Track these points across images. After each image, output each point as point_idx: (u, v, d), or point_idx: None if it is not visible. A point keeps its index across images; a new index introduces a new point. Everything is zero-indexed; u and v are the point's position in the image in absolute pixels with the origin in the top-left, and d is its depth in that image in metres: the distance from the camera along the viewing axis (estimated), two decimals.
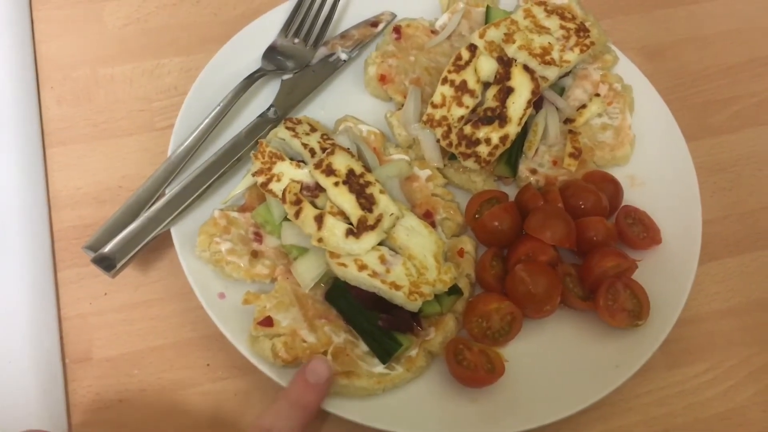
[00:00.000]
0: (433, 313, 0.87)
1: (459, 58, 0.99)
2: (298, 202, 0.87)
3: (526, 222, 0.92)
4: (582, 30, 1.02)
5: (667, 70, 1.17)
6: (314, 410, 0.78)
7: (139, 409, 0.86)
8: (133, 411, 0.86)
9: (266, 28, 1.06)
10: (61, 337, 0.89)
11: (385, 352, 0.84)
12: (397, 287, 0.83)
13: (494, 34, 0.99)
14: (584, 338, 0.90)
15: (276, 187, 0.88)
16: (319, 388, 0.78)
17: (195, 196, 0.91)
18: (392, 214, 0.87)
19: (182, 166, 0.93)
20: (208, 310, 0.85)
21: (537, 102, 0.99)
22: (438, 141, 0.97)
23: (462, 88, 0.97)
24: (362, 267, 0.84)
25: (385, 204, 0.88)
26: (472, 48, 0.99)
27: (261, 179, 0.89)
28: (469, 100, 0.97)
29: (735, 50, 1.21)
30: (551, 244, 0.90)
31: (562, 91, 1.04)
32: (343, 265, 0.84)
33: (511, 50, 0.98)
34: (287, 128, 0.94)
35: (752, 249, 1.03)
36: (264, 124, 0.98)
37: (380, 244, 0.86)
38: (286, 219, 0.89)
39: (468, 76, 0.98)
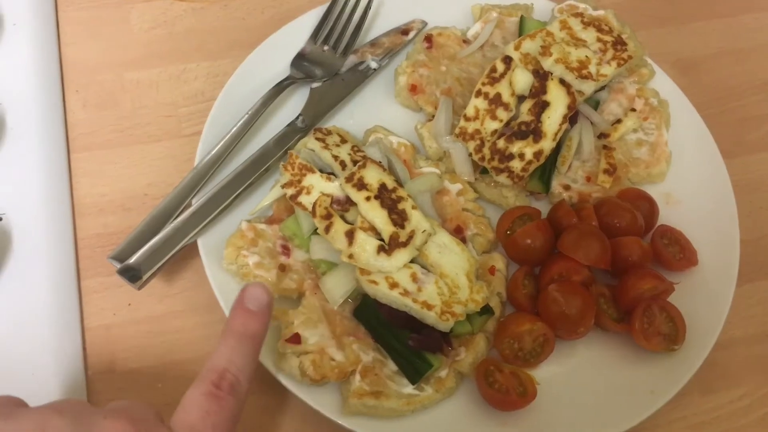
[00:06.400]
0: (463, 333, 0.85)
1: (494, 70, 0.96)
2: (328, 216, 0.85)
3: (560, 241, 0.89)
4: (619, 43, 0.99)
5: (701, 84, 1.14)
6: (262, 339, 0.73)
7: None
8: None
9: (295, 35, 1.04)
10: (84, 348, 0.88)
11: (415, 372, 0.82)
12: (429, 307, 0.81)
13: (530, 46, 0.97)
14: (618, 361, 0.87)
15: (306, 200, 0.86)
16: (261, 314, 0.72)
17: (222, 207, 0.89)
18: (425, 230, 0.85)
19: (209, 175, 0.92)
20: None
21: (571, 116, 0.96)
22: (470, 155, 0.95)
23: (496, 101, 0.95)
24: (394, 285, 0.82)
25: (417, 220, 0.86)
26: (507, 60, 0.96)
27: (290, 191, 0.87)
28: (503, 114, 0.95)
29: None
30: (585, 264, 0.87)
31: (596, 105, 1.02)
32: (374, 282, 0.82)
33: (547, 63, 0.95)
34: (317, 139, 0.92)
35: None
36: (292, 133, 0.97)
37: (411, 261, 0.84)
38: (314, 232, 0.87)
39: (502, 89, 0.95)
